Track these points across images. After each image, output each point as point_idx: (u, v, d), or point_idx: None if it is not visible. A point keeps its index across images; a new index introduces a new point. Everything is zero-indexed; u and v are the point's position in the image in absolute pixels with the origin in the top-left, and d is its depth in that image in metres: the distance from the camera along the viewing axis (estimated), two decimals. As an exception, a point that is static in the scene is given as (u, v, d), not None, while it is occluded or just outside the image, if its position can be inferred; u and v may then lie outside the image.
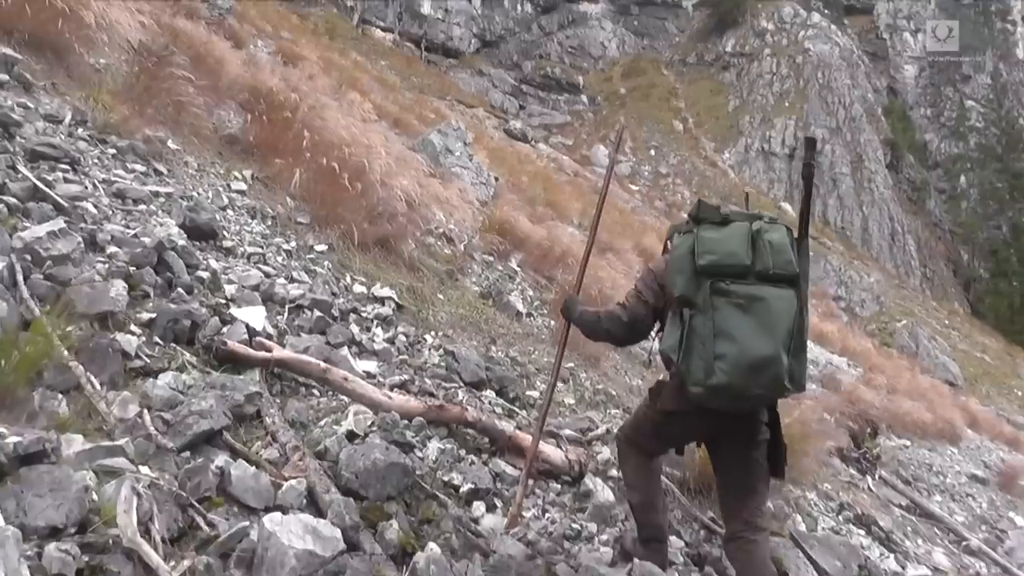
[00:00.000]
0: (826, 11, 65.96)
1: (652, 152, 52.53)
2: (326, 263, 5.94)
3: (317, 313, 4.86)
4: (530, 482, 4.03)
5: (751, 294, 3.03)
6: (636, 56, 66.39)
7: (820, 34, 61.41)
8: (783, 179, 53.23)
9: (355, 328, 5.04)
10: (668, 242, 3.56)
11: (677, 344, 3.15)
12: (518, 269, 9.95)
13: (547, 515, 4.04)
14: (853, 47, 64.64)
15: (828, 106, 56.84)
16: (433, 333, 5.78)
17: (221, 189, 6.40)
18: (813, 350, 19.01)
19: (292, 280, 5.28)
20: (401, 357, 5.03)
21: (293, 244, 6.00)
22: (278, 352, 4.05)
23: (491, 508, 3.78)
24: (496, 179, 14.73)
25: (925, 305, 46.74)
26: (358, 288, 5.78)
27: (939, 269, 58.09)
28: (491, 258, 9.57)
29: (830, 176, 54.01)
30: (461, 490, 3.77)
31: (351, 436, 3.64)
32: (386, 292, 5.74)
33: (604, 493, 4.30)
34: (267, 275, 5.24)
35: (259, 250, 5.54)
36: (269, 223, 6.26)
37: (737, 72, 62.20)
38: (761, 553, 3.37)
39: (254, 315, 4.38)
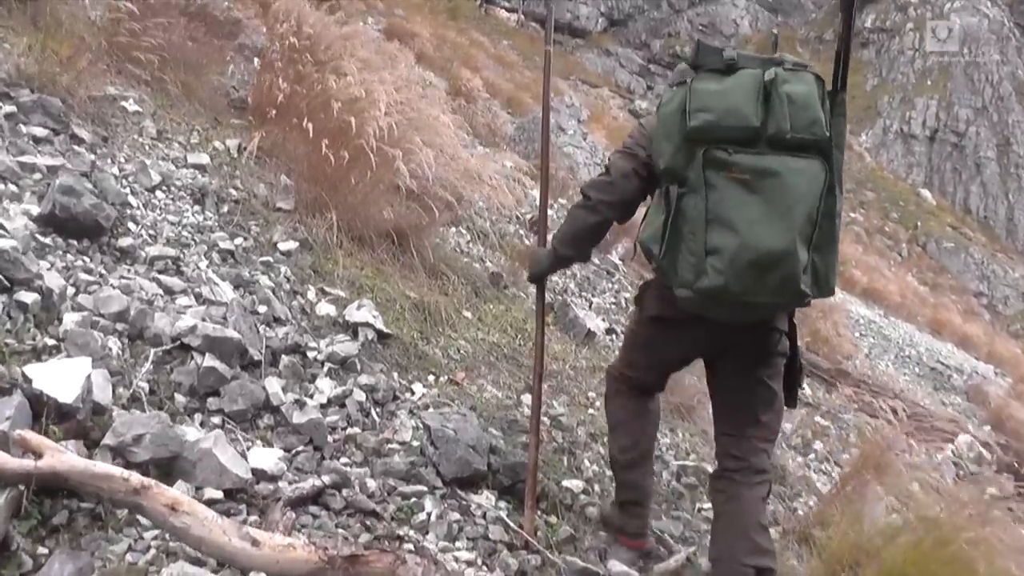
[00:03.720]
0: (975, -20, 60.75)
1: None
2: (284, 269, 4.08)
3: (209, 362, 2.99)
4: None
5: (760, 167, 2.32)
6: (770, 33, 62.93)
7: (967, 6, 56.65)
8: (923, 163, 50.04)
9: (278, 384, 3.13)
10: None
11: (660, 233, 2.48)
12: (619, 263, 7.96)
13: None
14: (1004, 19, 59.37)
15: (974, 84, 52.82)
16: (433, 377, 3.84)
17: (166, 163, 4.64)
18: (955, 355, 16.51)
19: (201, 300, 3.43)
20: (349, 431, 3.10)
21: (240, 242, 4.16)
22: (52, 459, 2.18)
23: None
24: (612, 159, 13.06)
25: (1076, 305, 42.29)
26: (324, 309, 3.88)
27: (1092, 265, 53.01)
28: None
29: (973, 160, 50.39)
30: None
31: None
32: (362, 315, 3.82)
33: None
34: (167, 291, 3.42)
35: (175, 252, 3.72)
36: (225, 210, 4.45)
37: (877, 49, 58.59)
38: (751, 499, 2.60)
39: (65, 375, 2.54)
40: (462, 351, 4.27)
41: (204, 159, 4.85)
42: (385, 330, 3.86)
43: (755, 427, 2.68)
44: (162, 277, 3.50)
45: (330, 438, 3.01)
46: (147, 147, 4.82)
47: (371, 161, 4.42)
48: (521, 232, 7.18)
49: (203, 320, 3.18)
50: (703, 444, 4.46)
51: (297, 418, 2.95)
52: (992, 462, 8.53)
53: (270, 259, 4.11)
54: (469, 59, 19.43)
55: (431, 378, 3.83)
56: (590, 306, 6.38)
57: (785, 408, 2.76)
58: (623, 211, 2.85)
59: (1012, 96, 53.29)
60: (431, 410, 3.32)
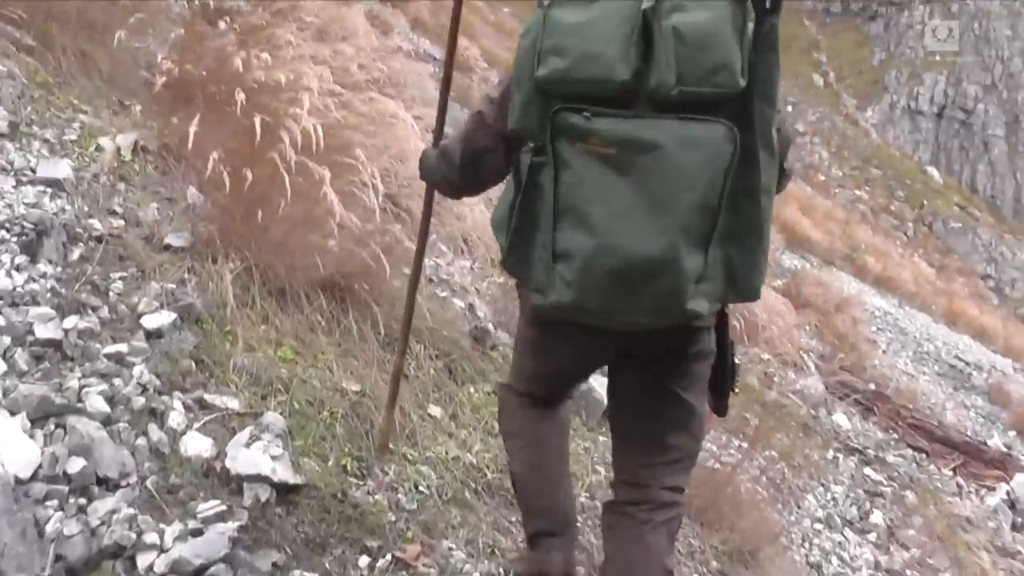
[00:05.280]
0: (988, -47, 59.85)
1: (790, 108, 47.95)
2: (139, 370, 2.55)
3: None
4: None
5: (631, 137, 1.60)
6: (784, -3, 62.57)
7: (980, -21, 55.90)
8: (929, 140, 49.82)
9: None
10: None
11: (505, 218, 1.84)
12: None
13: None
14: (1017, -6, 58.53)
15: (984, 61, 52.60)
16: (367, 559, 2.37)
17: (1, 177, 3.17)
18: (973, 349, 15.46)
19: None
20: None
21: (76, 322, 2.65)
22: None
23: None
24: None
25: (1087, 288, 41.85)
26: (193, 445, 2.35)
27: (1103, 247, 52.97)
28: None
29: (981, 139, 50.33)
30: None
31: None
32: (254, 460, 2.32)
33: None
34: None
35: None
36: (75, 256, 2.97)
37: (885, 22, 58.54)
38: (653, 544, 1.97)
39: None
40: (421, 488, 2.79)
41: (63, 171, 3.37)
42: (291, 481, 2.38)
43: (661, 452, 2.05)
44: None
45: None
46: (-13, 144, 3.36)
47: (286, 185, 2.93)
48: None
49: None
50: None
51: None
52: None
53: (123, 349, 2.61)
54: (466, 26, 18.71)
55: (363, 562, 2.35)
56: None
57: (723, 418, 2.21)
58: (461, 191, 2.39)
59: (1022, 73, 52.62)
60: None
